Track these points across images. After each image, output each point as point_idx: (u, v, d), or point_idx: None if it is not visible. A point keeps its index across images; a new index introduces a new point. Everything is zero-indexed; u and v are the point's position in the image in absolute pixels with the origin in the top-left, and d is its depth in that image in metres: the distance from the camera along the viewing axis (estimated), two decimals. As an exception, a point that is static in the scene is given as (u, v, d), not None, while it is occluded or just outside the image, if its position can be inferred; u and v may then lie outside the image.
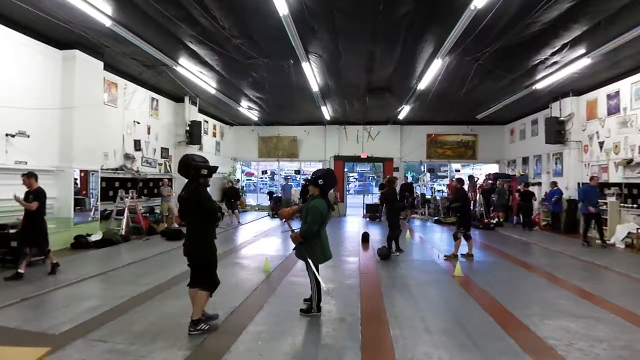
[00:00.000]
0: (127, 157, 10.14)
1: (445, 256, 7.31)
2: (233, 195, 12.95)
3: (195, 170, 3.58)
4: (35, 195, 5.64)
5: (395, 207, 7.73)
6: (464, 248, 7.37)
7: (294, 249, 4.24)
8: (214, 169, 3.72)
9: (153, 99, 11.47)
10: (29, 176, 5.72)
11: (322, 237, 4.03)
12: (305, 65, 8.58)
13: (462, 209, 7.35)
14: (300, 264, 6.72)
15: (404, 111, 13.55)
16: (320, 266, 6.51)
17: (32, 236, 5.64)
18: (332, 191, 16.47)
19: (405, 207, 13.68)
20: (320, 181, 3.98)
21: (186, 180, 3.68)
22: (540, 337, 3.62)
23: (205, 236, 3.65)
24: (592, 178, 9.16)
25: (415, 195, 15.83)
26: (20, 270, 5.40)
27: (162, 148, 11.93)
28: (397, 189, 14.87)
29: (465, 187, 8.33)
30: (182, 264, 3.86)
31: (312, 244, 3.98)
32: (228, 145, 17.15)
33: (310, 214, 3.91)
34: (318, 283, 4.08)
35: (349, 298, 4.80)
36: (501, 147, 16.42)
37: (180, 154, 12.61)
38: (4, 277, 5.39)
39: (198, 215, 3.60)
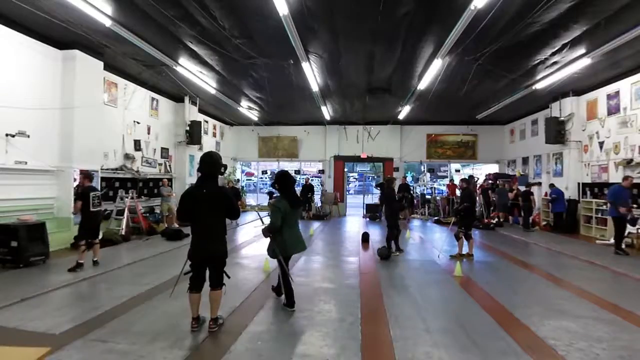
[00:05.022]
0: (127, 157, 10.13)
1: (451, 256, 7.31)
2: (234, 196, 12.96)
3: (225, 167, 3.73)
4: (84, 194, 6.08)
5: (393, 207, 7.74)
6: (464, 248, 7.36)
7: (267, 249, 4.46)
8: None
9: (153, 99, 11.46)
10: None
11: (284, 234, 4.27)
12: (305, 65, 8.58)
13: (467, 209, 7.33)
14: (300, 264, 6.74)
15: (404, 111, 13.56)
16: (321, 266, 6.53)
17: (89, 228, 6.11)
18: (332, 191, 16.64)
19: (404, 207, 13.71)
20: (275, 185, 4.45)
21: (196, 177, 3.78)
22: (540, 337, 3.61)
23: (225, 234, 3.78)
24: (625, 178, 8.07)
25: (414, 195, 15.85)
26: (81, 261, 5.89)
27: (162, 148, 11.92)
28: (396, 189, 15.00)
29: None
30: (181, 263, 3.85)
31: (277, 240, 4.28)
32: (228, 145, 17.14)
33: (271, 212, 4.29)
34: (284, 278, 4.30)
35: (349, 298, 4.79)
36: (501, 147, 16.43)
37: (181, 154, 12.69)
38: (67, 269, 5.79)
39: (224, 212, 3.71)
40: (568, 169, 11.41)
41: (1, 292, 4.75)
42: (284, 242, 4.28)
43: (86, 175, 6.31)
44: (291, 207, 4.31)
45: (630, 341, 3.55)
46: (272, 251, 4.32)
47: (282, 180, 4.40)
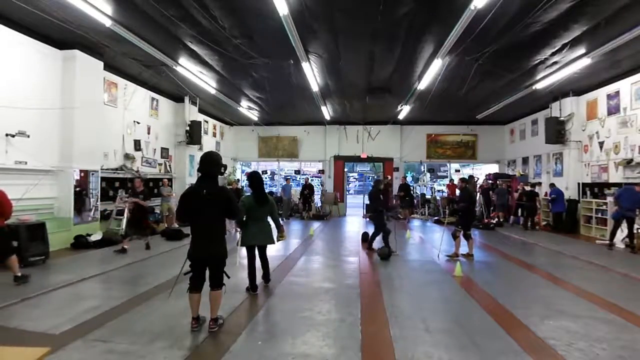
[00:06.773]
0: (127, 157, 10.13)
1: (447, 256, 7.30)
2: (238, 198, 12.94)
3: (225, 168, 3.79)
4: (146, 195, 7.75)
5: (376, 208, 7.90)
6: (464, 248, 7.36)
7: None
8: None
9: (153, 99, 11.46)
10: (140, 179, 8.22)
11: (249, 226, 4.88)
12: (305, 65, 8.57)
13: (465, 209, 7.32)
14: (300, 263, 6.74)
15: (404, 111, 13.55)
16: (321, 266, 6.57)
17: (139, 224, 7.61)
18: (332, 191, 16.71)
19: (396, 206, 13.95)
20: (248, 184, 5.10)
21: (197, 177, 3.83)
22: (540, 337, 3.61)
23: (225, 234, 3.80)
24: (638, 184, 8.23)
25: (414, 195, 15.85)
26: (126, 246, 7.29)
27: (162, 148, 11.92)
28: (395, 189, 15.17)
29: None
30: (181, 263, 3.85)
31: (242, 230, 4.98)
32: (228, 145, 17.14)
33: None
34: (249, 265, 4.99)
35: (349, 298, 4.80)
36: (501, 147, 16.43)
37: (181, 154, 12.69)
38: (114, 250, 7.30)
39: (224, 212, 3.72)
40: (568, 169, 11.41)
41: (1, 292, 4.75)
42: (246, 233, 4.92)
43: (142, 179, 8.02)
44: (256, 203, 4.87)
45: (630, 341, 3.55)
46: (238, 240, 5.04)
47: (250, 180, 5.05)
